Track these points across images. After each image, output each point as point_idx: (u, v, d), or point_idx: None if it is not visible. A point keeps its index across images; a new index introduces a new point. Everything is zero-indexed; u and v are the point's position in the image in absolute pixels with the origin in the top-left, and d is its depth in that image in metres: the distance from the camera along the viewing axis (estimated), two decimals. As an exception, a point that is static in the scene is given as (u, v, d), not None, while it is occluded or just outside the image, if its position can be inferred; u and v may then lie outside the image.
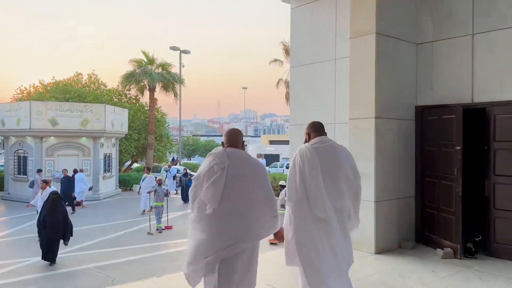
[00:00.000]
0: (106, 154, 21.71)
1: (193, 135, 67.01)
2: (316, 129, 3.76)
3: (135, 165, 36.00)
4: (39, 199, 11.12)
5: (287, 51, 24.49)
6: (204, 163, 3.28)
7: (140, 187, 16.92)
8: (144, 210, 16.02)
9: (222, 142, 3.39)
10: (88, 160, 20.47)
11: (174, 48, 36.77)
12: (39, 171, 18.64)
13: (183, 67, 37.59)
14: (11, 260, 9.95)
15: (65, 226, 9.06)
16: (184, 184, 19.49)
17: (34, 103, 19.29)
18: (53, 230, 8.94)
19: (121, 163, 28.53)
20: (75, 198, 16.89)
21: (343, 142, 7.66)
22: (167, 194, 13.48)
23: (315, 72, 8.54)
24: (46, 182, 11.74)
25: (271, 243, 9.78)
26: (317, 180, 3.47)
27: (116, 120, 21.73)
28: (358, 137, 6.60)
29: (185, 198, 18.93)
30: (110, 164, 22.28)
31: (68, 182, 17.07)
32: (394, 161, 6.59)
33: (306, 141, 3.76)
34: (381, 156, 6.38)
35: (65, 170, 17.56)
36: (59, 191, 18.37)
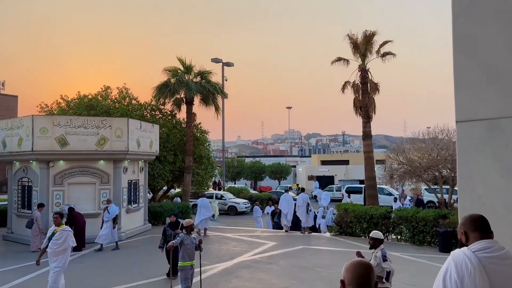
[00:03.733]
0: (131, 181, 17.34)
1: (238, 156, 62.71)
2: (479, 228, 2.61)
3: (176, 190, 31.77)
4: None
5: (356, 46, 19.40)
6: None
7: (43, 249, 8.88)
8: None
9: (342, 281, 2.25)
10: (107, 190, 16.12)
11: (216, 60, 33.02)
12: (40, 206, 14.57)
13: (226, 80, 33.93)
14: None
15: None
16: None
17: (38, 118, 15.30)
18: None
19: (154, 191, 24.25)
20: None
21: None
22: (199, 246, 8.61)
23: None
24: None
25: None
26: None
27: (144, 138, 17.39)
28: None
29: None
30: (137, 193, 17.88)
31: None
32: None
33: (461, 244, 2.66)
34: None
35: None
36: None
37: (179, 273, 8.59)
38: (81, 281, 10.66)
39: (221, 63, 33.51)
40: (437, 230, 13.69)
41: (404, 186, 21.86)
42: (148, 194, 26.82)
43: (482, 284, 2.39)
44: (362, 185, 34.76)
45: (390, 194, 31.30)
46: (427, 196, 31.32)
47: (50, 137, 15.04)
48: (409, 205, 22.67)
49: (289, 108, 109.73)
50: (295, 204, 17.67)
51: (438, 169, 16.31)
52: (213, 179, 32.11)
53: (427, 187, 33.24)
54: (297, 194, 34.37)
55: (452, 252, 2.68)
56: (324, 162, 57.09)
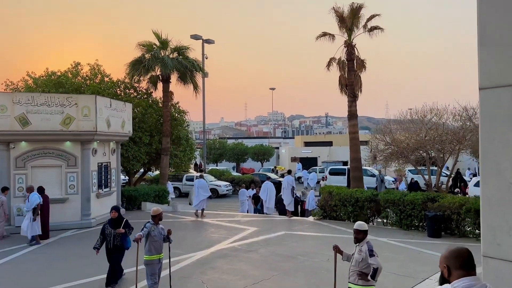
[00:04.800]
0: (101, 163, 16.17)
1: (219, 138, 61.58)
2: (464, 265, 2.49)
3: (150, 173, 30.64)
4: None
5: (342, 19, 18.33)
6: None
7: None
8: None
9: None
10: (74, 173, 14.95)
11: (195, 37, 31.55)
12: (4, 189, 13.41)
13: (206, 58, 32.70)
14: None
15: None
16: (112, 242, 8.54)
17: (-5, 94, 13.94)
18: None
19: (130, 174, 23.10)
20: None
21: None
22: (168, 237, 7.63)
23: None
24: None
25: None
26: None
27: (114, 118, 16.16)
28: None
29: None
30: (109, 176, 16.73)
31: None
32: None
33: (443, 279, 2.57)
34: None
35: None
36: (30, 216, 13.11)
37: (145, 268, 7.61)
38: (38, 274, 9.61)
39: (201, 40, 32.15)
40: (426, 214, 13.00)
41: (390, 168, 21.05)
42: (125, 177, 25.72)
43: None
44: (346, 167, 34.23)
45: (373, 175, 30.77)
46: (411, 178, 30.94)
47: (10, 116, 13.73)
48: (405, 189, 21.74)
49: (272, 89, 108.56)
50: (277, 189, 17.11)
51: (426, 149, 15.60)
52: (193, 161, 31.03)
53: (412, 169, 33.03)
54: (280, 177, 33.62)
55: None
56: (307, 144, 56.47)
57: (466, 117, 14.53)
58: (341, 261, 6.32)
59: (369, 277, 5.65)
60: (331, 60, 18.92)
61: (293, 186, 16.60)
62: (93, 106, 14.64)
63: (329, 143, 52.53)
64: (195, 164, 39.99)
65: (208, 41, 32.84)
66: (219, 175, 32.70)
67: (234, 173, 37.74)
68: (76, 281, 8.94)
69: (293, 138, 74.88)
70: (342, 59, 18.78)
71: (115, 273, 8.63)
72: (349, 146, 19.06)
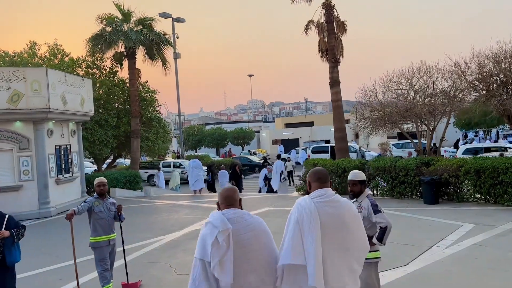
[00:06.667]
0: (60, 146, 14.49)
1: (198, 124, 59.86)
2: (319, 179, 3.20)
3: (125, 160, 28.97)
4: None
5: (319, -21, 16.82)
6: (203, 235, 2.87)
7: None
8: None
9: (217, 203, 3.07)
10: (28, 157, 13.25)
11: (164, 15, 29.56)
12: None
13: (177, 38, 30.95)
14: None
15: None
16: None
17: None
18: None
19: (98, 161, 21.38)
20: None
21: None
22: (119, 215, 6.17)
23: None
24: None
25: None
26: (315, 242, 2.87)
27: (71, 94, 14.44)
28: None
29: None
30: (70, 161, 15.06)
31: None
32: None
33: (307, 191, 3.28)
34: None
35: None
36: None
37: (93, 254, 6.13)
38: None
39: (170, 19, 30.34)
40: (421, 179, 11.82)
41: (376, 136, 19.64)
42: (93, 165, 23.96)
43: (315, 222, 2.92)
44: (328, 145, 33.16)
45: (355, 151, 29.73)
46: (395, 152, 30.04)
47: None
48: None
49: (250, 76, 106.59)
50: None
51: (415, 113, 14.39)
52: (170, 144, 29.35)
53: (396, 142, 32.14)
54: (261, 159, 32.51)
55: (296, 200, 3.14)
56: (288, 125, 55.27)
57: (459, 73, 13.34)
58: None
59: (374, 240, 4.25)
60: (309, 23, 17.43)
61: (282, 171, 16.54)
62: (44, 81, 12.91)
63: (310, 123, 51.45)
64: (173, 152, 38.31)
65: (179, 20, 31.01)
66: (202, 159, 31.21)
67: (215, 158, 36.33)
68: (31, 271, 7.45)
69: (273, 121, 73.62)
70: (321, 22, 17.35)
71: None
72: (332, 115, 17.80)
